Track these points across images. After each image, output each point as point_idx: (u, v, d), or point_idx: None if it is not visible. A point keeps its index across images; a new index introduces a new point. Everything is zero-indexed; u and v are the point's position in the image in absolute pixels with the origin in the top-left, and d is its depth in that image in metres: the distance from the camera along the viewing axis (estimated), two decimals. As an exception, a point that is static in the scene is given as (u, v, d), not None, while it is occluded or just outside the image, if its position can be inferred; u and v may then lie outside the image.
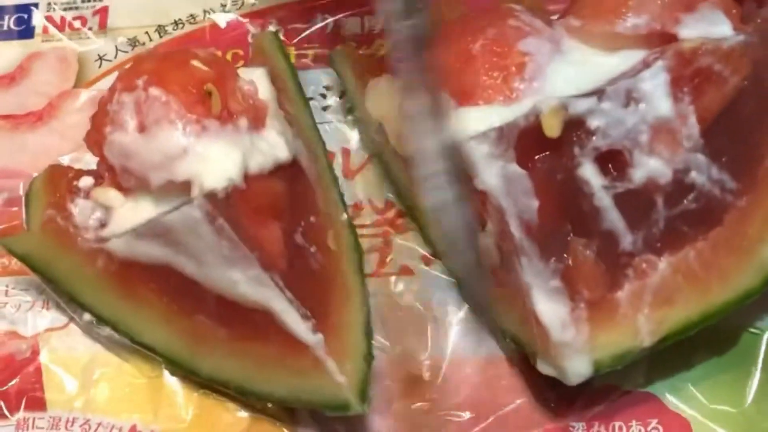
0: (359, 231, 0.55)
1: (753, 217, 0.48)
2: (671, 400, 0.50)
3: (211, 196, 0.46)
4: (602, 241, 0.47)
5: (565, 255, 0.46)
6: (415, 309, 0.53)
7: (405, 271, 0.55)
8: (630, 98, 0.46)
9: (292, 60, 0.62)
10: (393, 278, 0.54)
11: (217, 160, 0.48)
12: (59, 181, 0.53)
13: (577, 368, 0.46)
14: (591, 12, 0.50)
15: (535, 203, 0.46)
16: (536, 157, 0.47)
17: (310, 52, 0.64)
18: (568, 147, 0.46)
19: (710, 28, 0.48)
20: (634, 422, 0.49)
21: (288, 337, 0.47)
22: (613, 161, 0.47)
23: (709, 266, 0.48)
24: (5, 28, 0.67)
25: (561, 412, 0.50)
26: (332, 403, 0.47)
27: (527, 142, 0.46)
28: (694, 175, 0.47)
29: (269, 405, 0.50)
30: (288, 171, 0.51)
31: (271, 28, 0.65)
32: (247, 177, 0.48)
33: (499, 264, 0.49)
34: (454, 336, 0.52)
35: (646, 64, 0.47)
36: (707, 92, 0.47)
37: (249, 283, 0.46)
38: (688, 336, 0.48)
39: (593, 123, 0.46)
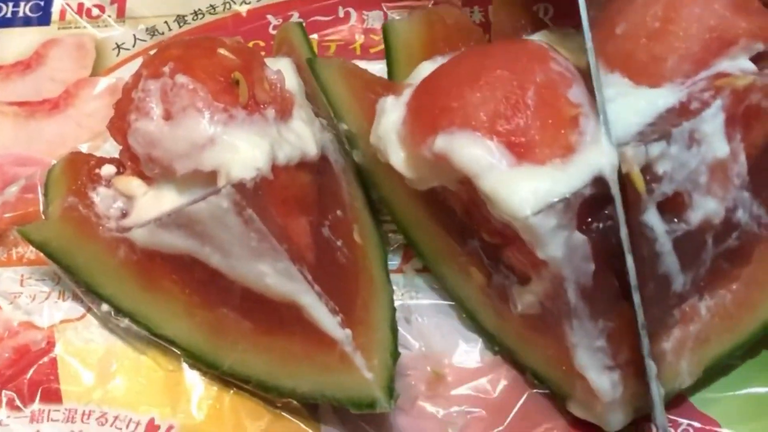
0: (384, 226, 0.54)
1: None
2: (702, 403, 0.49)
3: (239, 186, 0.45)
4: (656, 285, 0.45)
5: (612, 314, 0.45)
6: (439, 307, 0.53)
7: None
8: (693, 140, 0.44)
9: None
10: (417, 275, 0.54)
11: (244, 149, 0.47)
12: (80, 169, 0.52)
13: (619, 419, 0.46)
14: (622, 66, 0.47)
15: (592, 267, 0.44)
16: (594, 215, 0.44)
17: (333, 44, 0.63)
18: (633, 196, 0.44)
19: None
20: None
21: (314, 331, 0.46)
22: (672, 204, 0.45)
23: (741, 304, 0.48)
24: (21, 14, 0.66)
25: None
26: (359, 399, 0.46)
27: (587, 204, 0.44)
28: (740, 213, 0.47)
29: (291, 401, 0.49)
30: (315, 163, 0.51)
31: (293, 19, 0.64)
32: (274, 168, 0.47)
33: (535, 312, 0.47)
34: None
35: (703, 103, 0.45)
36: (755, 128, 0.46)
37: (277, 276, 0.45)
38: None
39: (661, 168, 0.44)
